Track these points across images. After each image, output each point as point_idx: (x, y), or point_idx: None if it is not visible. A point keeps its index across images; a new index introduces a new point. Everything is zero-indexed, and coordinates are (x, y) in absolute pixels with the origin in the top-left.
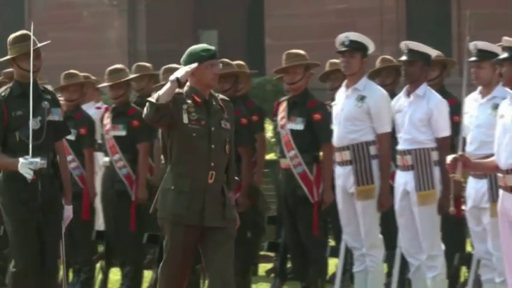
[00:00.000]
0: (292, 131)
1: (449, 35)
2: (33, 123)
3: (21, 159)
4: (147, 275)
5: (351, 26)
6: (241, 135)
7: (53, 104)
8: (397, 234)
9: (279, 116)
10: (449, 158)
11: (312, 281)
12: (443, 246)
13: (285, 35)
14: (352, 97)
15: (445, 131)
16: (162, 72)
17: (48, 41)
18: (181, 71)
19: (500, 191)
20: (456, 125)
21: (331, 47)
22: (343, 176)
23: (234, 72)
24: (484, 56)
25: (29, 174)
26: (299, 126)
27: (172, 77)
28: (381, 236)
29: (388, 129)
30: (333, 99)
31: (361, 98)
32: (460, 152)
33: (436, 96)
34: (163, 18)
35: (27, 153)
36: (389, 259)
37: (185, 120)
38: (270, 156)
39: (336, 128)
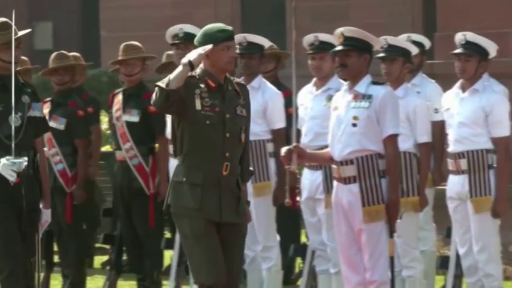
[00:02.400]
0: (128, 123)
1: (284, 27)
2: (14, 120)
3: (2, 160)
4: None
5: (186, 18)
6: (77, 128)
7: (33, 98)
8: None
9: (114, 108)
10: (284, 150)
11: (148, 273)
12: (278, 238)
13: (120, 26)
14: None
15: (280, 123)
16: None
17: (29, 30)
18: (195, 53)
19: (335, 182)
20: (290, 117)
21: (165, 38)
22: None
23: (70, 65)
24: (324, 48)
25: (11, 177)
26: (134, 118)
27: (184, 60)
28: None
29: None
30: None
31: None
32: (294, 144)
33: (271, 88)
34: None
35: (7, 153)
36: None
37: (198, 106)
38: (106, 148)
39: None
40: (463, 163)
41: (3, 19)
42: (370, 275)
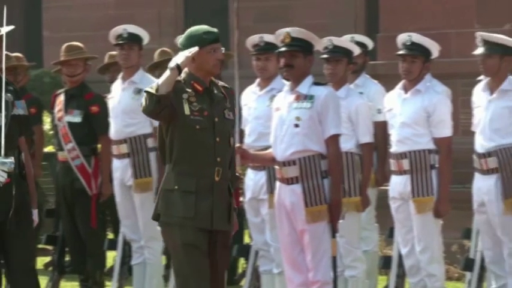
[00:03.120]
0: (70, 124)
1: (227, 28)
2: (2, 119)
3: None
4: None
5: (129, 18)
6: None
7: (15, 96)
8: None
9: (56, 109)
10: None
11: (90, 274)
12: None
13: (62, 26)
14: (129, 90)
15: None
16: None
17: (12, 27)
18: (181, 56)
19: (278, 183)
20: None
21: (108, 39)
22: (120, 169)
23: (13, 65)
24: (269, 48)
25: (2, 177)
26: (76, 118)
27: (171, 64)
28: (159, 228)
29: None
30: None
31: (138, 91)
32: (238, 144)
33: None
34: None
35: None
36: (167, 251)
37: (186, 111)
38: (48, 148)
39: (113, 121)
40: (406, 163)
41: None
42: (313, 275)
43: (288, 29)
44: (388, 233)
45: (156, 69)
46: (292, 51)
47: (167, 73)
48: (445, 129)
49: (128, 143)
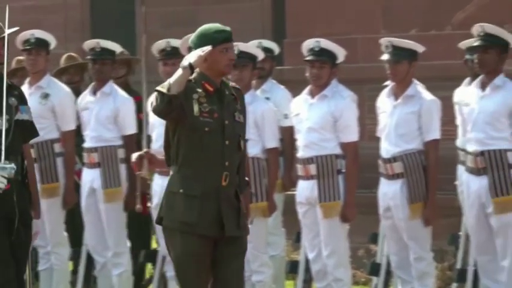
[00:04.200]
0: None
1: (134, 32)
2: (4, 123)
3: None
4: None
5: (35, 24)
6: None
7: (20, 100)
8: (83, 231)
9: None
10: (134, 156)
11: None
12: (128, 243)
13: None
14: (36, 95)
15: (131, 129)
16: None
17: (17, 28)
18: (194, 55)
19: None
20: (141, 123)
21: (15, 44)
22: None
23: None
24: (177, 53)
25: (1, 183)
26: None
27: (184, 63)
28: (65, 234)
29: (73, 127)
30: None
31: (45, 96)
32: (145, 149)
33: (122, 94)
34: None
35: None
36: (75, 257)
37: (196, 112)
38: None
39: None
40: (312, 168)
41: None
42: None
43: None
44: (295, 237)
45: (63, 74)
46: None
47: (179, 72)
48: (352, 134)
49: (35, 148)
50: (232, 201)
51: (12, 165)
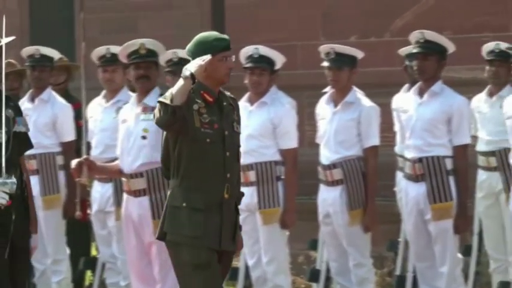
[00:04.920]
0: None
1: (73, 39)
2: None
3: None
4: None
5: None
6: None
7: (16, 112)
8: None
9: None
10: (74, 162)
11: None
12: (68, 251)
13: None
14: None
15: (70, 135)
16: None
17: (13, 37)
18: (194, 64)
19: (125, 195)
20: (80, 129)
21: None
22: None
23: None
24: (116, 60)
25: (3, 199)
26: None
27: (185, 72)
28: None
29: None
30: None
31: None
32: (85, 156)
33: (61, 101)
34: None
35: None
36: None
37: (197, 123)
38: None
39: None
40: (252, 175)
41: None
42: (160, 287)
43: (142, 40)
44: None
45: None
46: (148, 62)
47: (181, 82)
48: (291, 141)
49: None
50: (232, 213)
51: (14, 179)
